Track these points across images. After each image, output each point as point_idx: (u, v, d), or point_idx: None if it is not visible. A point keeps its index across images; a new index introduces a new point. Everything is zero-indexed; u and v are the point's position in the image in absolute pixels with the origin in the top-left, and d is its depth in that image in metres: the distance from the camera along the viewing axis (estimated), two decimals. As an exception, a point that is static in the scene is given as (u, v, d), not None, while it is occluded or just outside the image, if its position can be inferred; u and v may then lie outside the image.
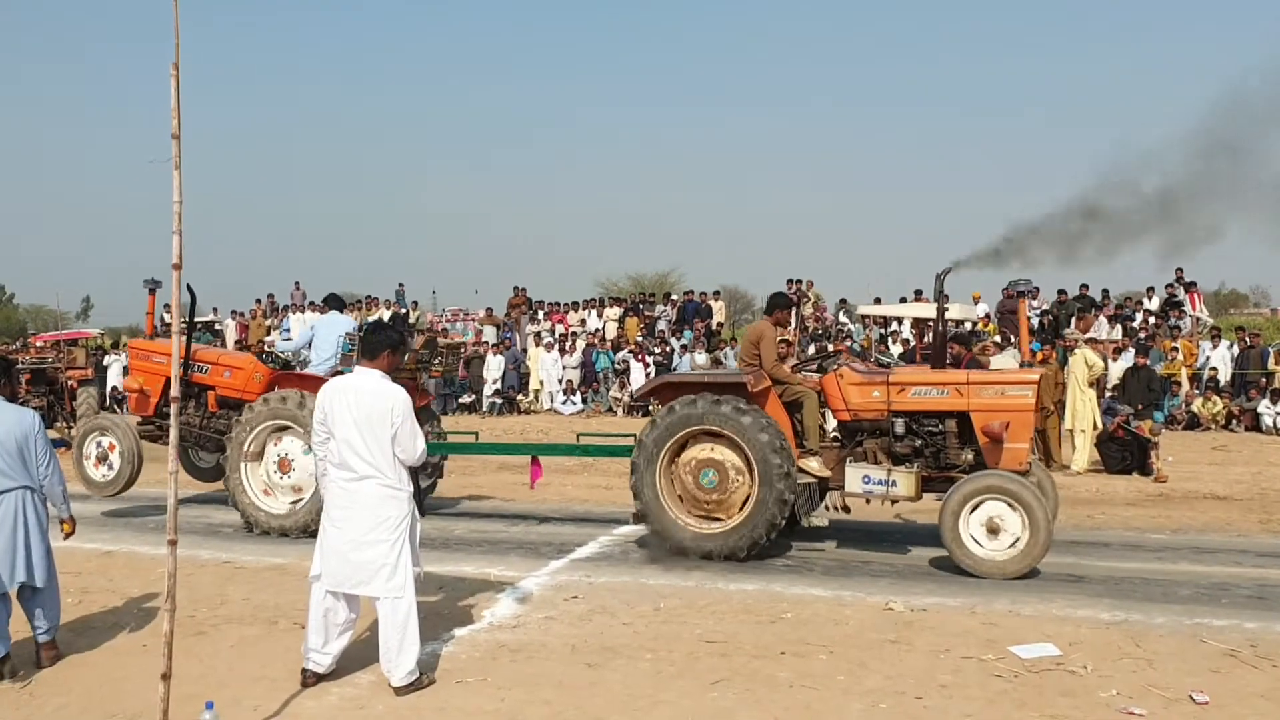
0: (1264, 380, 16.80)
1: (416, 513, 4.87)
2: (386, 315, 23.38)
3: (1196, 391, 17.15)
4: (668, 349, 20.61)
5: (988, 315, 19.99)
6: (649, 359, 20.12)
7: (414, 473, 4.93)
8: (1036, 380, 7.42)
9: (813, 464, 7.53)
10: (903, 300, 19.61)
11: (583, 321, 24.20)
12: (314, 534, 7.98)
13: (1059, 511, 8.15)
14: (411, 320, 23.44)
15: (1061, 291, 20.63)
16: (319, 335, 9.39)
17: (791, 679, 4.79)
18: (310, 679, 4.74)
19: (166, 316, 25.91)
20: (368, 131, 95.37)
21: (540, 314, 24.94)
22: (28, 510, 5.00)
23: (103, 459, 9.47)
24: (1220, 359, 17.77)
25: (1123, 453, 12.25)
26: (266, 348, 15.16)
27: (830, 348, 15.83)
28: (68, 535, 5.28)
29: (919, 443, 7.59)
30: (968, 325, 18.93)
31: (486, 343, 23.22)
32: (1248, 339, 17.92)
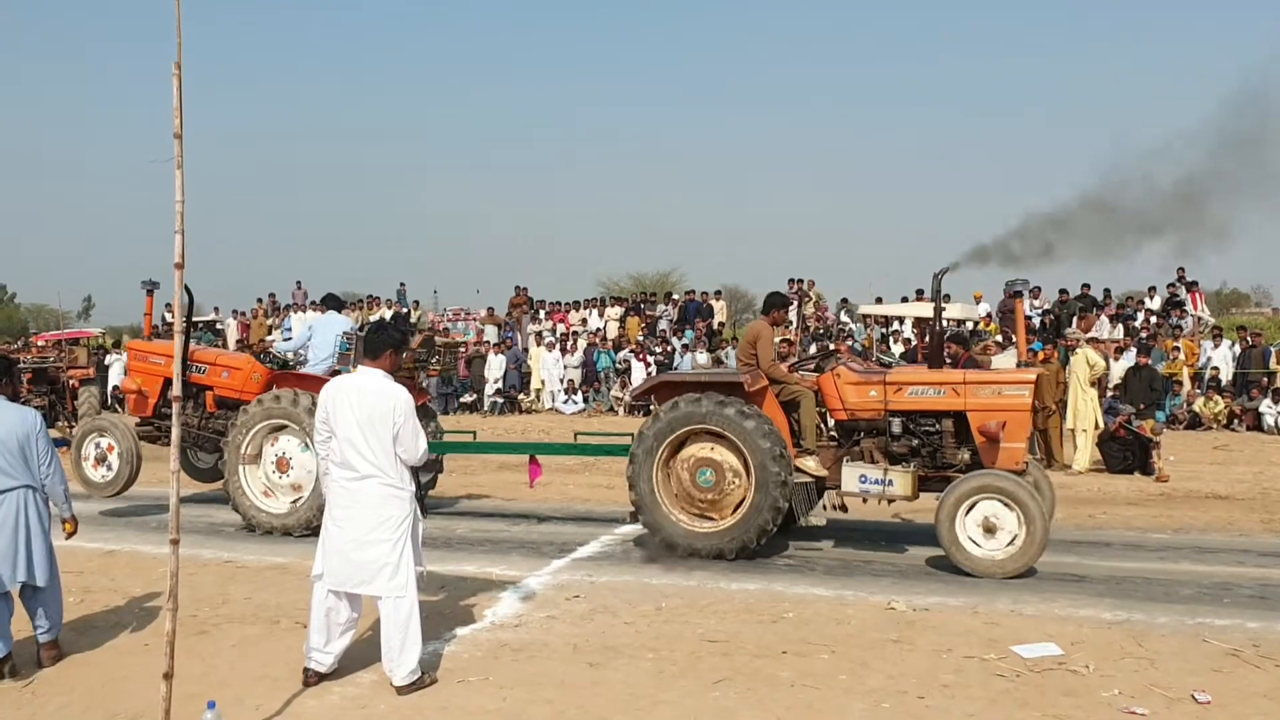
0: (1265, 380, 16.79)
1: (419, 512, 4.88)
2: (388, 315, 23.40)
3: (1198, 391, 17.14)
4: (669, 348, 20.62)
5: (989, 315, 19.99)
6: (650, 358, 20.12)
7: (414, 471, 4.93)
8: (1033, 380, 7.42)
9: (810, 463, 7.54)
10: (904, 300, 19.60)
11: (584, 321, 24.21)
12: (317, 530, 8.02)
13: (1056, 510, 8.16)
14: (413, 320, 23.46)
15: (1063, 291, 20.62)
16: (317, 335, 9.41)
17: (793, 678, 4.79)
18: (312, 678, 4.74)
19: (168, 316, 25.97)
20: (368, 131, 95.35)
21: (541, 313, 24.96)
22: (29, 509, 5.01)
23: (101, 460, 9.48)
24: (1222, 358, 17.76)
25: (1124, 452, 12.24)
26: (266, 348, 15.17)
27: (832, 347, 15.84)
28: (69, 535, 5.29)
29: (916, 442, 7.60)
30: (969, 325, 18.94)
31: (488, 342, 23.23)
32: (1249, 338, 17.91)
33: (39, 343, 23.44)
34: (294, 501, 8.72)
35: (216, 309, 29.56)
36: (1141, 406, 13.80)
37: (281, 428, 8.78)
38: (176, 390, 4.14)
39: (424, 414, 9.46)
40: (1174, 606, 6.05)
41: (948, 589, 6.52)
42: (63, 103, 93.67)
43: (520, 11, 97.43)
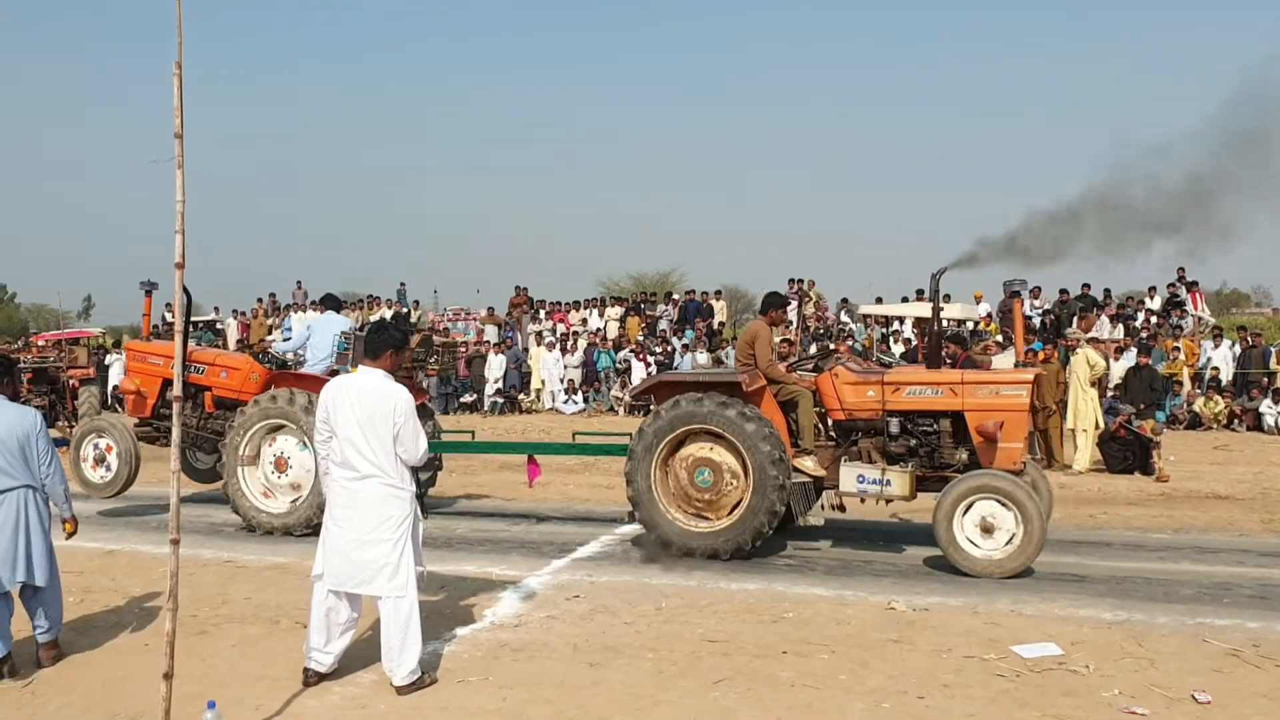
0: (1266, 380, 16.79)
1: (419, 512, 4.88)
2: (388, 315, 23.40)
3: (1198, 391, 17.14)
4: (669, 348, 20.62)
5: (990, 315, 19.99)
6: (650, 358, 20.12)
7: (413, 471, 4.93)
8: (1031, 380, 7.43)
9: (808, 463, 7.55)
10: (904, 300, 19.61)
11: (584, 321, 24.21)
12: (317, 528, 8.01)
13: (1056, 510, 8.16)
14: (413, 320, 23.46)
15: (1063, 291, 20.62)
16: (315, 335, 9.42)
17: (794, 678, 4.79)
18: (312, 678, 4.74)
19: (168, 316, 25.92)
20: (368, 131, 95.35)
21: (542, 313, 24.96)
22: (29, 509, 5.00)
23: (100, 461, 9.49)
24: (1222, 358, 17.76)
25: (1125, 452, 12.24)
26: (265, 348, 15.18)
27: (832, 347, 15.84)
28: (70, 535, 5.29)
29: (914, 442, 7.61)
30: (970, 324, 18.94)
31: (488, 342, 23.23)
32: (1249, 338, 17.91)
33: (39, 342, 23.46)
34: (294, 501, 8.72)
35: (216, 309, 29.57)
36: (1142, 406, 13.80)
37: (279, 428, 8.78)
38: (177, 390, 4.14)
39: (422, 413, 9.45)
40: (1174, 606, 6.05)
41: (948, 589, 6.52)
42: (63, 103, 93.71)
43: (520, 11, 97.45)
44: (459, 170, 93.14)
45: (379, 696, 4.61)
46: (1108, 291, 21.23)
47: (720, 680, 4.78)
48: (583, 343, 21.84)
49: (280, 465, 8.76)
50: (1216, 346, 18.05)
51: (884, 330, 21.11)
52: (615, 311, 24.28)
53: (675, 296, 25.51)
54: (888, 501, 7.74)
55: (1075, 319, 18.99)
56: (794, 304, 22.53)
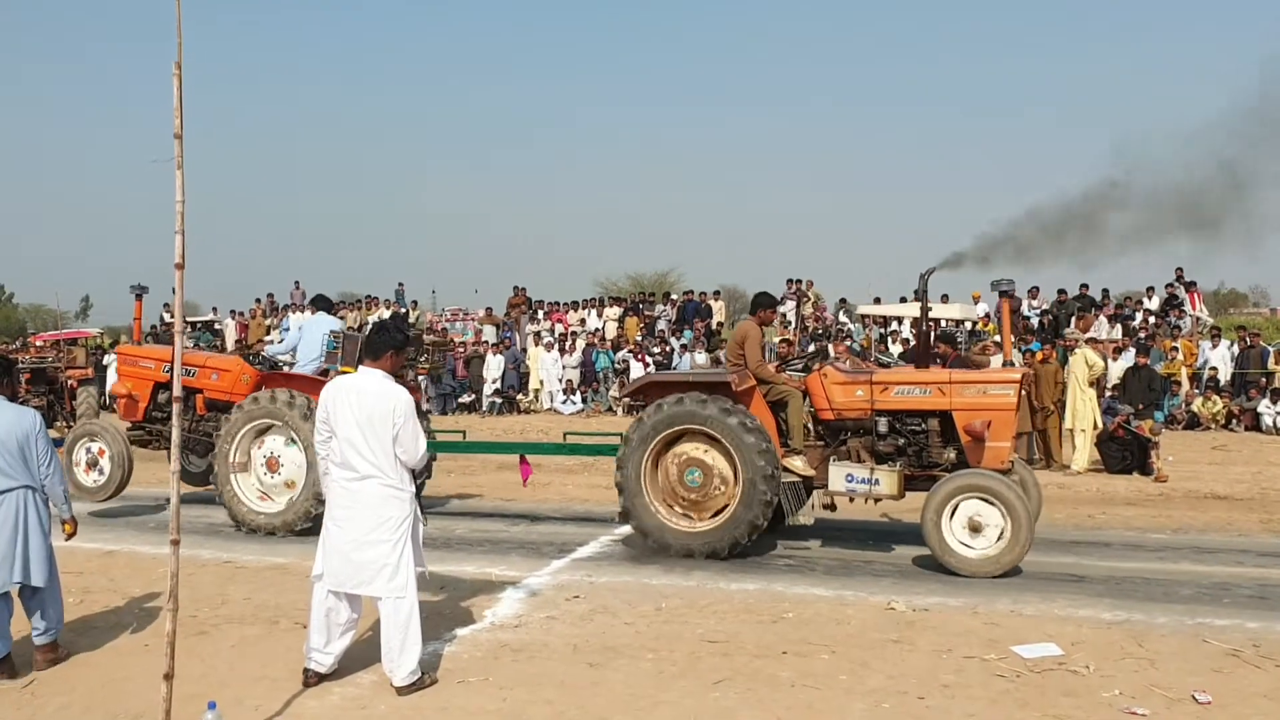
0: (1264, 380, 16.81)
1: (419, 513, 4.87)
2: (387, 315, 23.38)
3: (1196, 391, 17.16)
4: (668, 348, 20.61)
5: (988, 315, 20.00)
6: (649, 358, 20.11)
7: (411, 472, 4.93)
8: (1018, 380, 7.47)
9: (797, 463, 7.57)
10: (902, 300, 19.61)
11: (582, 321, 24.20)
12: (317, 519, 8.00)
13: (1057, 511, 8.18)
14: (412, 320, 23.44)
15: (1061, 291, 20.65)
16: (306, 335, 9.42)
17: (794, 679, 4.79)
18: (312, 679, 4.73)
19: (167, 316, 25.88)
20: (368, 131, 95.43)
21: (540, 313, 24.94)
22: (29, 510, 4.99)
23: (93, 464, 9.49)
24: (1220, 358, 17.78)
25: (1123, 452, 12.25)
26: (256, 350, 15.17)
27: (830, 347, 15.84)
28: (69, 536, 5.28)
29: (902, 441, 7.64)
30: (968, 324, 18.96)
31: (486, 342, 23.22)
32: (1248, 339, 17.92)
33: (37, 343, 23.44)
34: (289, 499, 8.70)
35: (215, 309, 29.54)
36: (1140, 406, 13.79)
37: (266, 429, 8.77)
38: (176, 391, 4.12)
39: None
40: (1174, 606, 6.05)
41: (947, 589, 6.52)
42: (63, 103, 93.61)
43: (520, 11, 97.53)
44: (459, 170, 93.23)
45: (379, 697, 4.60)
46: (1106, 291, 21.26)
47: (720, 680, 4.77)
48: (581, 343, 21.83)
49: (272, 466, 8.74)
50: (1214, 347, 18.07)
51: (882, 330, 21.12)
52: (614, 312, 24.27)
53: (674, 297, 25.50)
54: (876, 500, 7.75)
55: (1073, 319, 19.03)
56: (792, 304, 22.57)
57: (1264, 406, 15.94)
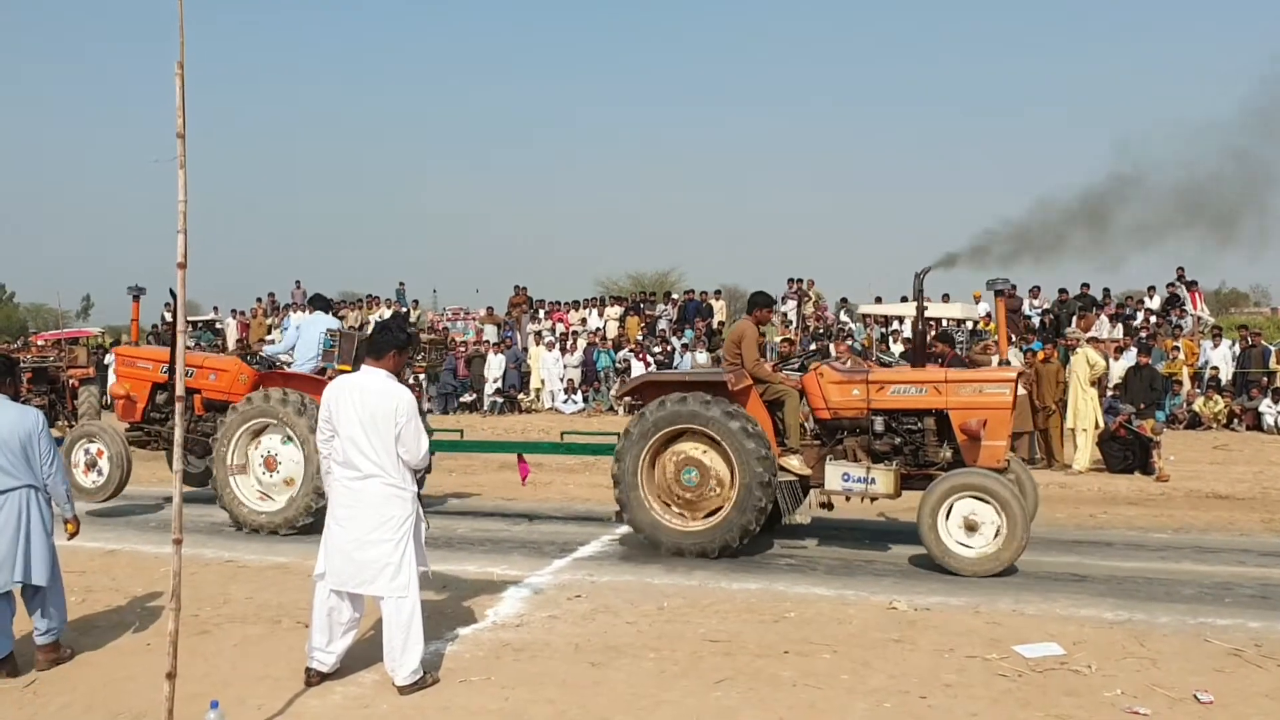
0: (1265, 379, 16.80)
1: (421, 512, 4.87)
2: (388, 314, 23.39)
3: (1198, 391, 17.14)
4: (668, 348, 20.61)
5: (989, 314, 19.98)
6: (650, 358, 20.11)
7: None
8: (1013, 379, 7.48)
9: (793, 462, 7.58)
10: (903, 299, 19.60)
11: (583, 320, 24.20)
12: (317, 513, 8.02)
13: (1056, 510, 8.17)
14: (413, 319, 23.46)
15: (1063, 291, 20.64)
16: (303, 334, 9.43)
17: (795, 678, 4.79)
18: (314, 678, 4.74)
19: (168, 316, 25.89)
20: (368, 131, 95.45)
21: (541, 313, 24.94)
22: (31, 509, 4.99)
23: (91, 465, 9.51)
24: (1221, 358, 17.77)
25: (1125, 452, 12.24)
26: (254, 350, 15.16)
27: (832, 347, 15.84)
28: (72, 535, 5.28)
29: (898, 440, 7.65)
30: (969, 324, 18.96)
31: (488, 341, 23.21)
32: (1249, 338, 17.91)
33: (39, 342, 23.43)
34: (290, 496, 8.70)
35: (215, 308, 29.55)
36: (1141, 406, 13.80)
37: (261, 429, 8.78)
38: (179, 390, 4.13)
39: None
40: (1175, 606, 6.05)
41: (949, 589, 6.52)
42: (63, 103, 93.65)
43: (520, 11, 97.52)
44: (459, 170, 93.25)
45: (381, 696, 4.61)
46: (1107, 291, 21.25)
47: (722, 680, 4.77)
48: (582, 342, 21.83)
49: (270, 465, 8.75)
50: (1216, 346, 18.06)
51: (883, 330, 21.11)
52: (615, 311, 24.27)
53: (674, 296, 25.48)
54: (873, 499, 7.76)
55: (1075, 318, 19.01)
56: (794, 304, 22.57)
57: (1265, 406, 15.93)
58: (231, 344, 24.99)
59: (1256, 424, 15.94)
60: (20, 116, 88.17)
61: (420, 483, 9.80)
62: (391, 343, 4.84)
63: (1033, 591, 6.39)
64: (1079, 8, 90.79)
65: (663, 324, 22.65)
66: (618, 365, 20.71)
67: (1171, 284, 20.76)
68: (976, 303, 20.32)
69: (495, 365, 21.25)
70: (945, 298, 19.44)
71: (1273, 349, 17.70)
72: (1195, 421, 16.23)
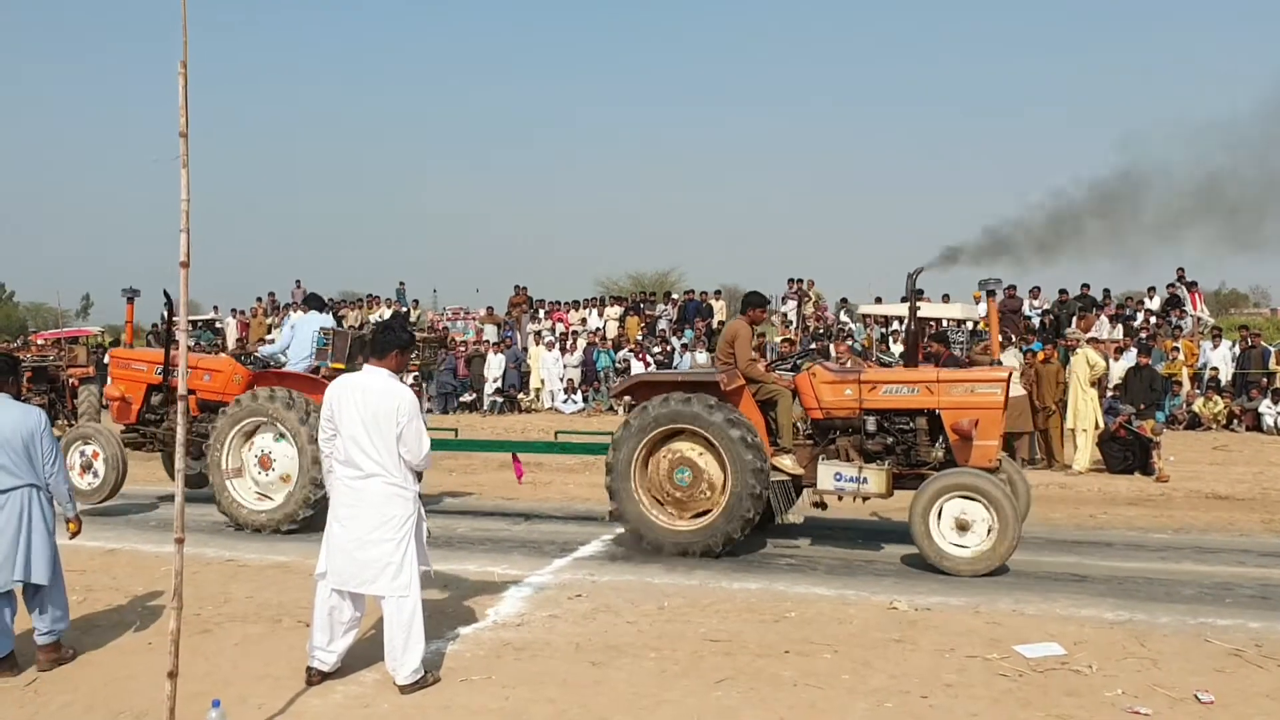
0: (1265, 380, 16.81)
1: (423, 511, 4.88)
2: (388, 314, 23.39)
3: (1198, 391, 17.15)
4: (668, 348, 20.62)
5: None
6: (650, 358, 20.12)
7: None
8: (1005, 379, 7.49)
9: (786, 462, 7.59)
10: (903, 299, 19.58)
11: (583, 320, 24.20)
12: (316, 505, 8.01)
13: (1055, 511, 8.17)
14: (413, 319, 23.45)
15: (1063, 291, 20.64)
16: (298, 333, 9.44)
17: (796, 678, 4.79)
18: (315, 677, 4.74)
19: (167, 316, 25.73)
20: (368, 131, 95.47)
21: (541, 313, 24.94)
22: (33, 508, 5.00)
23: (87, 467, 9.51)
24: (1221, 359, 17.78)
25: (1125, 452, 12.25)
26: (249, 350, 15.19)
27: (832, 347, 15.84)
28: (73, 534, 5.28)
29: (890, 440, 7.66)
30: (969, 324, 18.96)
31: (487, 341, 23.22)
32: (1249, 339, 17.92)
33: (38, 341, 23.44)
34: (287, 492, 8.70)
35: (215, 308, 29.55)
36: (1141, 406, 13.81)
37: (254, 429, 8.78)
38: (182, 389, 4.12)
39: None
40: (1176, 606, 6.06)
41: (949, 589, 6.52)
42: (62, 103, 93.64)
43: (520, 11, 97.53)
44: (459, 170, 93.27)
45: (382, 695, 4.61)
46: (1107, 291, 21.25)
47: (723, 680, 4.78)
48: (582, 342, 21.84)
49: (265, 464, 8.74)
50: (1215, 347, 18.07)
51: (883, 330, 21.11)
52: (614, 311, 24.27)
53: (674, 296, 25.49)
54: (865, 499, 7.77)
55: (1075, 319, 19.01)
56: (794, 304, 22.57)
57: (1265, 407, 15.94)
58: (231, 344, 24.99)
59: (1256, 425, 15.95)
60: (21, 116, 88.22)
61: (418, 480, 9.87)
62: (394, 342, 4.84)
63: (1033, 592, 6.39)
64: (1079, 7, 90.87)
65: (663, 324, 22.66)
66: (617, 365, 20.71)
67: (1171, 285, 20.77)
68: (977, 303, 20.31)
69: (495, 365, 21.27)
70: (945, 298, 19.44)
71: (1272, 350, 17.71)
72: (1195, 422, 16.24)
